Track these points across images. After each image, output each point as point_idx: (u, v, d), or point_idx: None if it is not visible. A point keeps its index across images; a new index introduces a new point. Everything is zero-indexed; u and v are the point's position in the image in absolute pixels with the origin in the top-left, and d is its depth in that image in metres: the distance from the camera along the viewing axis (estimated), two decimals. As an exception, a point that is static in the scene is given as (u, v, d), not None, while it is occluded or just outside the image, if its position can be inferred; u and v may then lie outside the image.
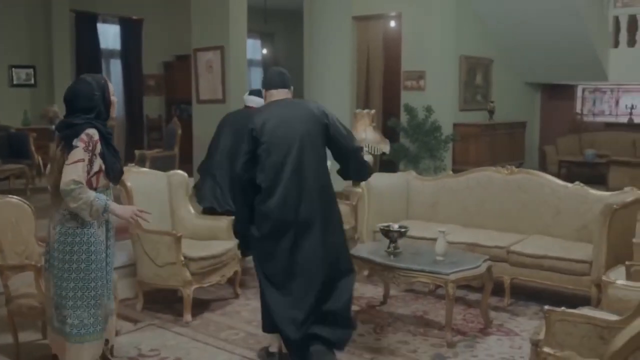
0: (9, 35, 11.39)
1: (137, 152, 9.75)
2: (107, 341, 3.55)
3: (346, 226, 5.61)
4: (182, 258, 4.55)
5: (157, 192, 5.13)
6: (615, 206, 4.54)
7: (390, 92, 10.59)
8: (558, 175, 7.00)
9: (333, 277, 3.63)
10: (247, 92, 6.01)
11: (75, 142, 3.15)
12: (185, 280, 4.56)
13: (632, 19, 10.62)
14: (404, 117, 9.55)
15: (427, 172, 8.74)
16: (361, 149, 4.09)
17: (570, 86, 12.75)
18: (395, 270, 4.29)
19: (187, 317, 4.57)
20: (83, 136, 3.16)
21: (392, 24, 10.47)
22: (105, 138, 3.27)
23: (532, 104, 12.45)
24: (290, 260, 3.56)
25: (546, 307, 3.00)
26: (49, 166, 3.54)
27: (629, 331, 1.90)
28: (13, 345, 3.96)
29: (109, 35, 13.43)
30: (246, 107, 5.81)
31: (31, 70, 11.94)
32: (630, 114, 12.71)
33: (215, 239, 5.03)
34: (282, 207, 3.52)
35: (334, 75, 9.84)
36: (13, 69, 11.59)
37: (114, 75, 13.09)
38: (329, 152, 3.76)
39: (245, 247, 4.07)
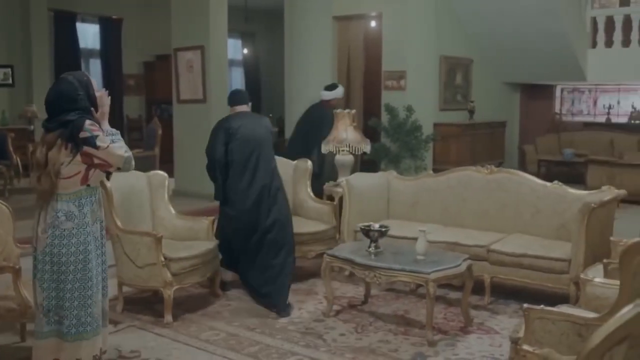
0: (-14, 34, 11.30)
1: (117, 152, 9.66)
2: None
3: (327, 226, 5.69)
4: (163, 259, 4.52)
5: (137, 192, 5.10)
6: (593, 205, 4.57)
7: (371, 92, 10.59)
8: (537, 175, 7.03)
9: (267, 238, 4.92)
10: (323, 88, 7.70)
11: (82, 134, 3.08)
12: (165, 281, 4.53)
13: (609, 20, 10.72)
14: (384, 117, 9.56)
15: (407, 171, 8.75)
16: None
17: (549, 86, 12.86)
18: (376, 270, 4.31)
19: (168, 317, 4.54)
20: (88, 125, 3.11)
21: (373, 24, 10.48)
22: None
23: (512, 104, 12.53)
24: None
25: (525, 305, 3.02)
26: (34, 171, 3.38)
27: (606, 328, 1.92)
28: (-9, 348, 3.92)
29: (89, 34, 13.34)
30: (322, 101, 6.74)
31: (9, 70, 11.82)
32: (608, 113, 12.89)
33: (195, 239, 5.02)
34: (245, 190, 4.92)
35: (314, 75, 9.86)
36: (-10, 68, 11.51)
37: (94, 75, 12.78)
38: None
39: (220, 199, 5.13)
